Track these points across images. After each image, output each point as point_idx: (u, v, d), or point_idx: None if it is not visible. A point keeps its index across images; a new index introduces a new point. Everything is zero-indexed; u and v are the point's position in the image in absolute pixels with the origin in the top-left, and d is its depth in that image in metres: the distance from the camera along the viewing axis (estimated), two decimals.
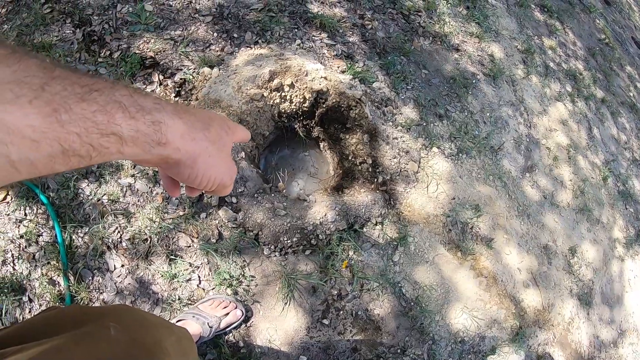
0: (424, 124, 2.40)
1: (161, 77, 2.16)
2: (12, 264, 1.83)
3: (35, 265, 1.83)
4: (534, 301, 2.34)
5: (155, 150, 0.48)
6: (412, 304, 2.00)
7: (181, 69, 2.20)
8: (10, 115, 0.33)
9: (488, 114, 2.70)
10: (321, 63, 2.31)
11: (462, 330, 2.06)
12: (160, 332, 0.97)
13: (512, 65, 3.08)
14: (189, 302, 1.82)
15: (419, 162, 2.26)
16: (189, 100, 2.15)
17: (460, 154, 2.41)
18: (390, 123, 2.30)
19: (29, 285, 1.81)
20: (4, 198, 1.91)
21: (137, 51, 2.21)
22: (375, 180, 2.13)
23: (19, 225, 1.87)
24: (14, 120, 0.33)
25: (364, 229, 2.02)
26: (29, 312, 1.79)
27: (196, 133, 0.54)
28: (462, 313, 2.08)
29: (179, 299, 1.81)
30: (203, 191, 0.71)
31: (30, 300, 1.80)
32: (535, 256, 2.44)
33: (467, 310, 2.09)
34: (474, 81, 2.77)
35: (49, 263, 1.82)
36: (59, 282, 1.81)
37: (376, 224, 2.04)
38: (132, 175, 1.95)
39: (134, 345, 0.86)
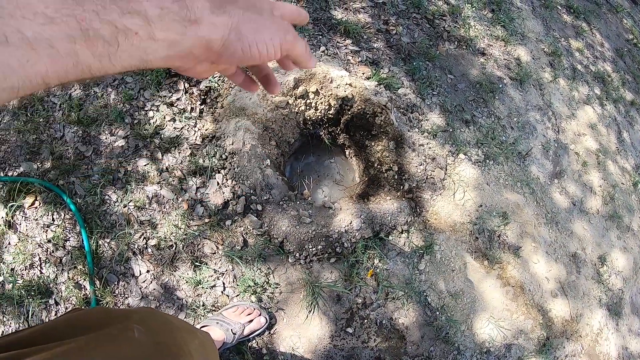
0: (451, 130, 2.36)
1: (187, 85, 2.18)
2: (39, 268, 1.86)
3: (62, 269, 1.86)
4: (562, 311, 2.28)
5: (189, 32, 0.43)
6: (438, 313, 1.97)
7: (206, 77, 2.20)
8: None
9: (515, 119, 2.64)
10: (346, 70, 2.29)
11: (487, 341, 2.02)
12: (184, 335, 0.97)
13: (539, 69, 3.01)
14: (213, 308, 1.83)
15: (446, 169, 2.23)
16: (215, 107, 2.15)
17: (488, 161, 2.36)
18: (416, 129, 2.28)
19: (56, 288, 1.84)
20: (33, 203, 1.94)
21: None
22: (401, 187, 2.11)
23: (47, 230, 1.91)
24: None
25: (390, 237, 2.00)
26: (55, 314, 1.82)
27: (225, 5, 0.48)
28: (488, 323, 2.04)
29: (203, 305, 1.82)
30: (283, 69, 0.65)
31: (57, 304, 1.83)
32: (564, 265, 2.38)
33: (493, 320, 2.05)
34: (500, 86, 2.72)
35: (75, 267, 1.85)
36: (84, 286, 1.84)
37: (402, 232, 2.02)
38: (158, 183, 1.97)
39: (157, 348, 0.86)
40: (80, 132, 2.07)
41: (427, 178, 2.16)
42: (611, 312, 2.52)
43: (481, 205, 2.21)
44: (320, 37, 2.45)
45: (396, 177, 2.13)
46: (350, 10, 2.63)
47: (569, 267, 2.40)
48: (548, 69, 3.08)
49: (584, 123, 3.04)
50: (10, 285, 1.82)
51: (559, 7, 3.66)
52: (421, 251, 2.02)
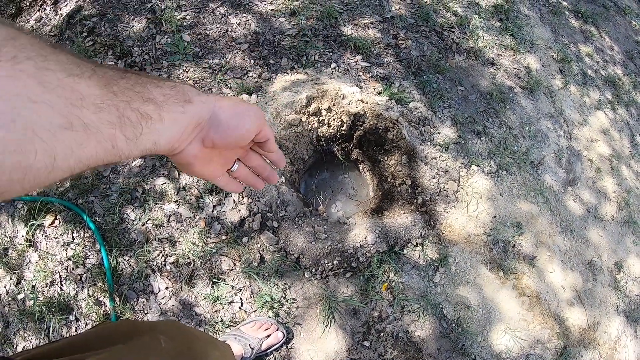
0: (463, 142, 2.37)
1: None
2: (60, 285, 1.90)
3: (82, 286, 1.90)
4: (579, 320, 2.27)
5: (187, 109, 0.53)
6: (454, 325, 1.97)
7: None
8: (79, 85, 0.38)
9: (527, 128, 2.64)
10: (357, 86, 2.32)
11: (504, 352, 2.02)
12: (205, 346, 1.03)
13: (549, 76, 3.01)
14: (231, 324, 1.85)
15: (459, 181, 2.24)
16: None
17: (500, 171, 2.37)
18: (429, 143, 2.29)
19: (76, 305, 1.88)
20: (52, 222, 1.98)
21: (177, 80, 2.26)
22: (415, 201, 2.12)
23: (67, 248, 1.95)
24: (84, 89, 0.39)
25: (405, 251, 2.01)
26: (75, 330, 1.86)
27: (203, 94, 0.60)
28: (504, 334, 2.04)
29: (221, 321, 1.85)
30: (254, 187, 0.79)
31: (77, 320, 1.87)
32: (580, 273, 2.37)
33: (510, 330, 2.05)
34: (511, 95, 2.72)
35: (95, 284, 1.89)
36: (104, 303, 1.87)
37: (416, 246, 2.03)
38: (175, 201, 2.00)
39: (181, 357, 0.90)
40: None
41: (440, 191, 2.17)
42: (629, 319, 2.50)
43: (495, 216, 2.21)
44: (331, 54, 2.47)
45: (409, 190, 2.15)
46: (360, 26, 2.65)
47: (585, 275, 2.39)
48: (558, 76, 3.07)
49: (596, 129, 3.02)
50: (32, 302, 1.86)
51: (567, 13, 3.65)
52: (436, 264, 2.03)
